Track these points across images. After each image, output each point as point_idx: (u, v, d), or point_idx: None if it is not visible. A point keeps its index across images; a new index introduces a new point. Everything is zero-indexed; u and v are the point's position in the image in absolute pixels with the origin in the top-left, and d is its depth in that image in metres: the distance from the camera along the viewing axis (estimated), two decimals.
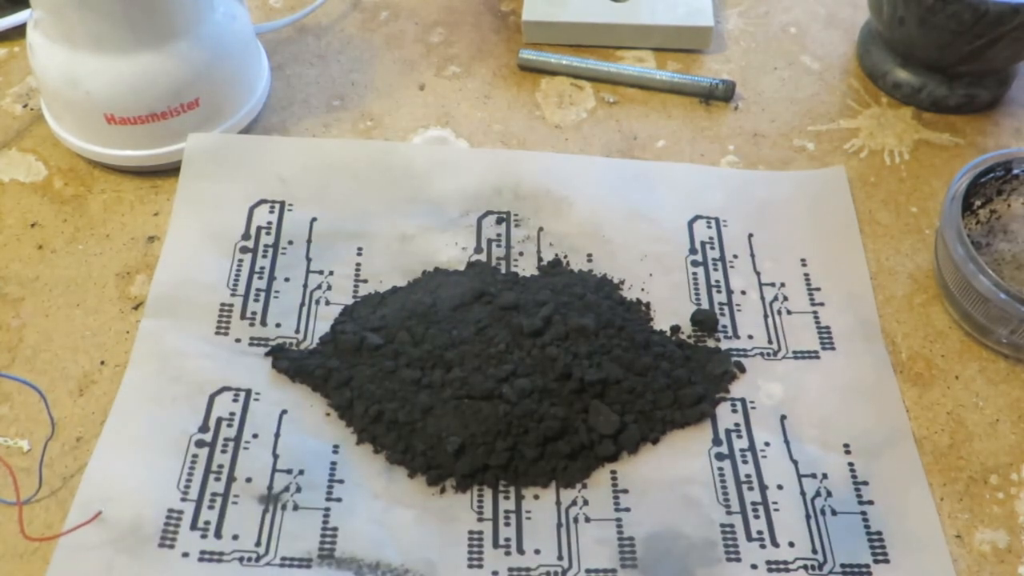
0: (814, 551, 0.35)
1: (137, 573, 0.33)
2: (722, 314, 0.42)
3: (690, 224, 0.45)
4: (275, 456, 0.36)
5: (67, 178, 0.46)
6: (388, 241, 0.43)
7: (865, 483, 0.37)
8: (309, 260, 0.43)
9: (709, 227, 0.45)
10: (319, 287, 0.42)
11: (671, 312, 0.41)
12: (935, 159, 0.49)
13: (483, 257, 0.43)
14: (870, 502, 0.36)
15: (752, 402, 0.39)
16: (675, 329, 0.41)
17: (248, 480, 0.36)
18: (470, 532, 0.35)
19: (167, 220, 0.44)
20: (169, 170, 0.46)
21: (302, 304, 0.41)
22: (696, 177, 0.47)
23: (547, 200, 0.45)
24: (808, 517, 0.36)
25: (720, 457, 0.37)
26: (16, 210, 0.44)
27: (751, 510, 0.36)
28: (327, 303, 0.41)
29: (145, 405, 0.37)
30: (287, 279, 0.42)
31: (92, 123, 0.44)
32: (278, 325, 0.40)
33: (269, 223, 0.44)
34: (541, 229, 0.44)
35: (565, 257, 0.43)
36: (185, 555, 0.33)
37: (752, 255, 0.44)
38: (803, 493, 0.36)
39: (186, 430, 0.37)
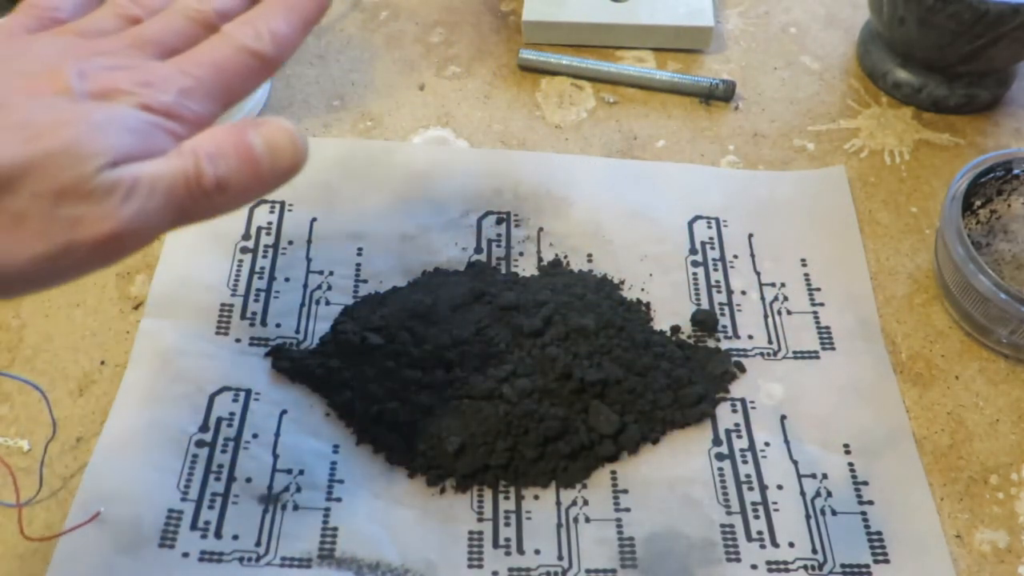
0: (814, 551, 0.35)
1: (137, 573, 0.33)
2: (722, 314, 0.42)
3: (690, 224, 0.45)
4: (275, 456, 0.36)
5: None
6: (388, 241, 0.43)
7: (865, 483, 0.37)
8: (309, 260, 0.43)
9: (709, 227, 0.45)
10: (319, 287, 0.42)
11: (671, 312, 0.41)
12: (935, 159, 0.49)
13: (483, 257, 0.43)
14: (870, 502, 0.36)
15: (752, 402, 0.39)
16: (675, 329, 0.41)
17: (248, 480, 0.36)
18: (470, 532, 0.35)
19: None
20: None
21: (302, 304, 0.41)
22: (696, 177, 0.47)
23: (547, 200, 0.45)
24: (808, 517, 0.36)
25: (720, 457, 0.37)
26: None
27: (751, 510, 0.36)
28: (327, 303, 0.41)
29: (145, 405, 0.37)
30: (287, 279, 0.42)
31: None
32: (278, 325, 0.40)
33: (269, 223, 0.44)
34: (541, 229, 0.44)
35: (565, 257, 0.43)
36: (185, 555, 0.33)
37: (752, 255, 0.44)
38: (803, 493, 0.36)
39: (186, 430, 0.37)
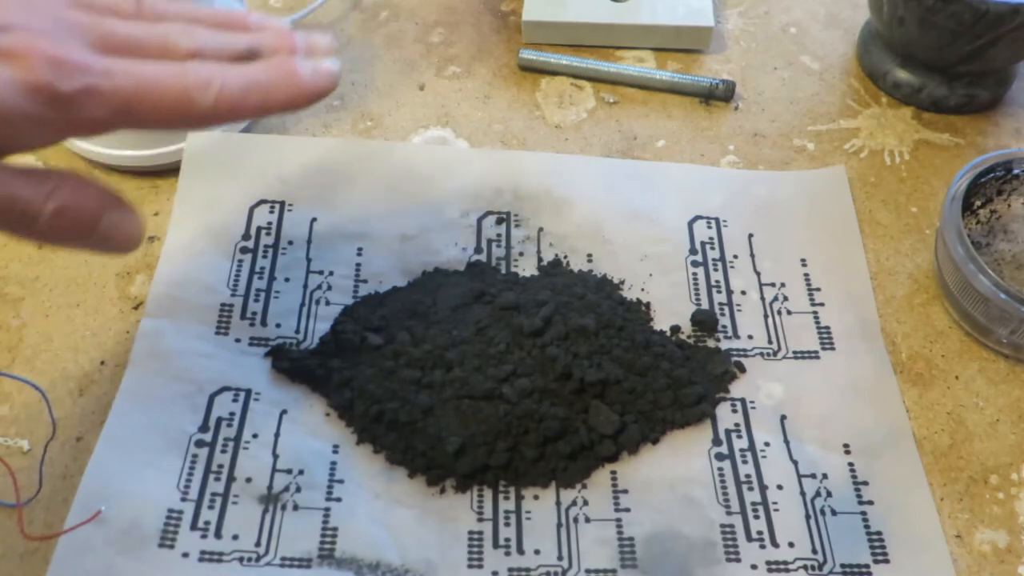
0: (814, 551, 0.35)
1: (137, 573, 0.33)
2: (722, 314, 0.42)
3: (690, 224, 0.45)
4: (275, 456, 0.36)
5: None
6: (388, 241, 0.43)
7: (865, 483, 0.37)
8: (309, 260, 0.43)
9: (709, 227, 0.45)
10: (319, 287, 0.42)
11: (671, 312, 0.41)
12: (935, 159, 0.49)
13: (483, 257, 0.43)
14: (870, 502, 0.36)
15: (752, 402, 0.39)
16: (675, 329, 0.41)
17: (248, 480, 0.36)
18: (470, 532, 0.35)
19: (167, 220, 0.44)
20: (169, 170, 0.46)
21: (302, 304, 0.41)
22: (696, 177, 0.47)
23: (547, 200, 0.45)
24: (808, 517, 0.36)
25: (720, 457, 0.37)
26: None
27: (751, 510, 0.36)
28: (327, 303, 0.41)
29: (145, 405, 0.37)
30: (287, 279, 0.42)
31: None
32: (278, 325, 0.40)
33: (269, 223, 0.44)
34: (541, 229, 0.44)
35: (565, 257, 0.43)
36: (185, 555, 0.33)
37: (752, 255, 0.44)
38: (803, 493, 0.36)
39: (186, 430, 0.37)
